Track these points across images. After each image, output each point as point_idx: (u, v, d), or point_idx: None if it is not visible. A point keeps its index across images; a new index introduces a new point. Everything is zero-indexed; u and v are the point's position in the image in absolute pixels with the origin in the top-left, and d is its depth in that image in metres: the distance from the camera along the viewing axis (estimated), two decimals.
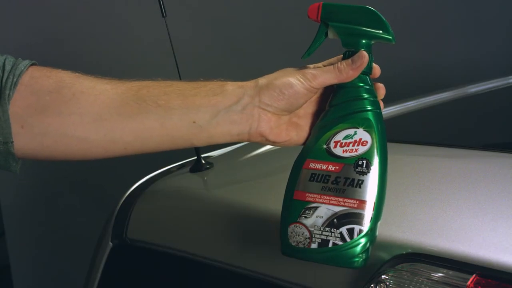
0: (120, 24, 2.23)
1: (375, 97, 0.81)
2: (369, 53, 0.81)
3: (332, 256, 0.76)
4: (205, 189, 1.32)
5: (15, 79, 0.74)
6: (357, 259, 0.76)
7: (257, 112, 0.77)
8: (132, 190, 1.35)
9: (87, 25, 2.15)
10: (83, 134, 0.74)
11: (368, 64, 0.80)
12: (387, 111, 1.76)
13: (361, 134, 0.77)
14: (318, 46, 0.81)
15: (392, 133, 1.61)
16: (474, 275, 0.81)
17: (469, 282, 0.80)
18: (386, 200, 1.01)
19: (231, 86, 0.77)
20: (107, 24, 2.20)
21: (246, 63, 2.50)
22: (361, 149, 0.77)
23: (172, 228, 1.24)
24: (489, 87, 2.03)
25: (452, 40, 3.42)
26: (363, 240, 0.76)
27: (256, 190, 1.21)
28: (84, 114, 0.74)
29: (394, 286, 0.85)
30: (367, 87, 0.80)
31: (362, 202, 0.75)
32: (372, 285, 0.87)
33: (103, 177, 2.04)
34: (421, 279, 0.84)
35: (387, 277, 0.86)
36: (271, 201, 1.10)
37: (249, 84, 0.77)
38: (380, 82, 0.84)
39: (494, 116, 1.66)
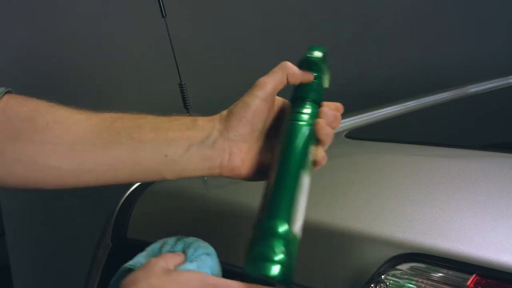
0: (120, 24, 2.22)
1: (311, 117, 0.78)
2: (319, 85, 0.80)
3: None
4: (205, 189, 1.32)
5: None
6: None
7: (227, 146, 0.77)
8: (132, 190, 1.36)
9: (87, 25, 2.15)
10: (55, 163, 0.75)
11: (317, 92, 0.79)
12: (387, 111, 1.76)
13: None
14: None
15: (392, 133, 1.61)
16: (474, 275, 0.81)
17: (469, 282, 0.80)
18: (386, 200, 1.01)
19: (202, 121, 0.77)
20: (107, 24, 2.20)
21: (246, 63, 2.49)
22: None
23: (172, 228, 1.24)
24: (489, 87, 2.03)
25: (452, 40, 3.42)
26: None
27: (256, 190, 1.20)
28: (58, 143, 0.75)
29: (394, 286, 0.85)
30: (308, 110, 0.78)
31: None
32: (372, 285, 0.87)
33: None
34: (421, 279, 0.84)
35: (387, 277, 0.86)
36: None
37: (217, 117, 0.78)
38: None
39: (494, 116, 1.66)
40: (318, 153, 0.77)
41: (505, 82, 2.07)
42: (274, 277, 0.70)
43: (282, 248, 0.70)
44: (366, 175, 1.15)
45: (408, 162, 1.21)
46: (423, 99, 1.88)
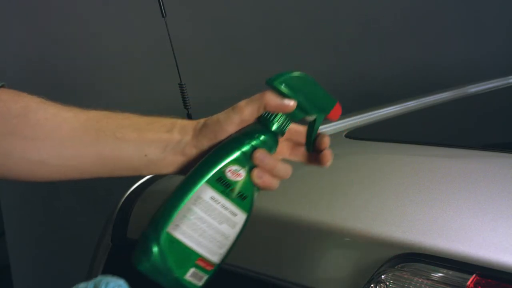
0: (120, 24, 2.23)
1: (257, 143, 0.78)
2: (293, 116, 0.80)
3: None
4: None
5: None
6: None
7: (195, 152, 0.80)
8: (132, 190, 1.36)
9: (87, 25, 2.15)
10: (44, 158, 0.79)
11: (283, 124, 0.79)
12: (387, 111, 1.76)
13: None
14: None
15: (392, 133, 1.61)
16: (474, 275, 0.81)
17: (469, 282, 0.80)
18: (386, 200, 1.01)
19: (179, 125, 0.81)
20: (107, 24, 2.20)
21: (246, 63, 2.49)
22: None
23: None
24: (489, 87, 2.03)
25: (452, 40, 3.42)
26: None
27: None
28: (47, 139, 0.79)
29: (394, 286, 0.85)
30: (265, 136, 0.78)
31: None
32: (372, 285, 0.87)
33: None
34: (421, 279, 0.84)
35: (387, 277, 0.86)
36: (271, 201, 1.10)
37: (193, 124, 0.81)
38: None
39: (494, 116, 1.66)
40: (254, 175, 0.78)
41: (505, 82, 2.07)
42: (142, 271, 0.78)
43: (153, 248, 0.76)
44: (366, 175, 1.15)
45: (408, 162, 1.21)
46: (423, 99, 1.88)
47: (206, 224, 0.77)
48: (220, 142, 0.79)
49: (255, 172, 0.77)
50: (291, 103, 0.78)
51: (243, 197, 0.78)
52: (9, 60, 2.01)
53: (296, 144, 0.84)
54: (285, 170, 0.80)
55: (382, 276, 0.86)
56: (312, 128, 0.81)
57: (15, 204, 2.15)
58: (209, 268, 0.79)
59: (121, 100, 2.14)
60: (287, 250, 1.04)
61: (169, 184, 1.36)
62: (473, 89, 2.01)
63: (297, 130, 0.83)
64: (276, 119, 0.79)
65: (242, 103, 0.79)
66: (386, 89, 2.88)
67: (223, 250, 0.79)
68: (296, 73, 0.79)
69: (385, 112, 1.75)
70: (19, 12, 2.04)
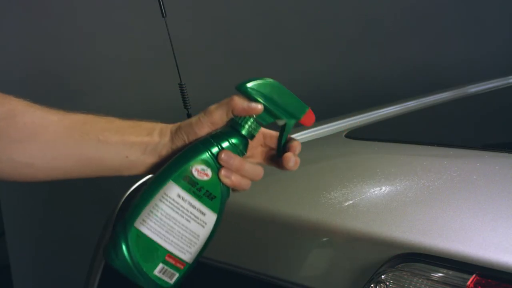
0: (120, 24, 2.23)
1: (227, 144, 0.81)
2: (263, 120, 0.82)
3: None
4: None
5: None
6: None
7: (170, 154, 0.84)
8: (132, 190, 1.36)
9: (86, 25, 2.15)
10: (29, 160, 0.82)
11: (252, 127, 0.82)
12: (387, 111, 1.76)
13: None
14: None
15: (392, 133, 1.61)
16: (474, 275, 0.81)
17: (469, 282, 0.80)
18: (386, 200, 1.01)
19: (159, 129, 0.85)
20: (107, 24, 2.20)
21: (246, 63, 2.49)
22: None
23: None
24: (489, 87, 2.03)
25: (452, 40, 3.42)
26: None
27: (255, 190, 1.20)
28: (33, 142, 0.82)
29: (394, 286, 0.85)
30: (235, 140, 0.81)
31: None
32: (372, 285, 0.87)
33: (103, 177, 2.04)
34: (421, 279, 0.84)
35: (387, 277, 0.86)
36: (270, 201, 1.11)
37: (169, 128, 0.85)
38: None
39: (494, 116, 1.66)
40: (221, 174, 0.80)
41: (505, 82, 2.07)
42: (113, 267, 0.81)
43: (121, 243, 0.80)
44: (366, 175, 1.15)
45: (408, 162, 1.21)
46: (423, 99, 1.88)
47: (173, 221, 0.79)
48: (190, 143, 0.82)
49: (222, 172, 0.80)
50: (258, 106, 0.81)
51: (211, 197, 0.80)
52: (9, 60, 2.01)
53: (271, 150, 0.86)
54: (254, 171, 0.83)
55: (382, 276, 0.86)
56: (282, 133, 0.84)
57: (15, 204, 2.15)
58: (180, 266, 0.81)
59: (121, 100, 2.15)
60: (287, 250, 1.04)
61: None
62: (473, 89, 2.01)
63: (273, 135, 0.86)
64: (245, 123, 0.81)
65: (212, 107, 0.83)
66: (386, 89, 2.88)
67: (193, 249, 0.81)
68: (265, 80, 0.82)
69: (385, 112, 1.75)
70: (19, 12, 2.04)
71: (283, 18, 2.65)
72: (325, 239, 0.99)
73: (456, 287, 0.81)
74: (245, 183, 0.82)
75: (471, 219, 0.91)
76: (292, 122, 0.83)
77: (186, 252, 0.81)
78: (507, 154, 1.19)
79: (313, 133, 1.60)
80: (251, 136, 0.82)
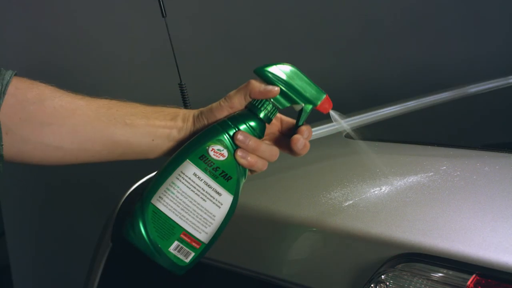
0: (120, 24, 2.23)
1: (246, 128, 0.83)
2: (280, 104, 0.84)
3: None
4: None
5: (2, 89, 0.81)
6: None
7: (192, 136, 0.86)
8: (132, 190, 1.36)
9: (86, 25, 2.15)
10: (59, 144, 0.84)
11: (269, 111, 0.83)
12: (387, 111, 1.76)
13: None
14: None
15: (392, 133, 1.61)
16: (474, 275, 0.81)
17: (469, 282, 0.80)
18: (386, 200, 1.01)
19: (181, 114, 0.88)
20: (107, 24, 2.20)
21: (246, 63, 2.49)
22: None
23: None
24: (489, 87, 2.03)
25: (452, 40, 3.42)
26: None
27: (255, 190, 1.21)
28: (62, 125, 0.84)
29: (394, 286, 0.85)
30: (253, 123, 0.83)
31: None
32: (372, 285, 0.87)
33: (103, 177, 2.04)
34: (421, 279, 0.84)
35: (387, 277, 0.86)
36: (270, 200, 1.11)
37: (192, 113, 0.88)
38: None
39: (494, 116, 1.66)
40: (237, 154, 0.82)
41: (505, 82, 2.07)
42: (129, 241, 0.82)
43: (138, 219, 0.81)
44: (366, 175, 1.15)
45: (408, 162, 1.21)
46: (423, 99, 1.88)
47: (189, 199, 0.81)
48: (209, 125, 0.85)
49: (238, 152, 0.82)
50: (275, 89, 0.83)
51: (227, 178, 0.82)
52: (9, 61, 2.01)
53: (288, 137, 0.87)
54: (270, 151, 0.84)
55: (382, 276, 0.86)
56: (298, 119, 0.85)
57: (15, 204, 2.15)
58: (195, 245, 0.82)
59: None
60: (287, 250, 1.04)
61: None
62: (473, 89, 2.01)
63: (290, 122, 0.88)
64: (262, 107, 0.83)
65: (232, 92, 0.85)
66: (386, 89, 2.88)
67: (209, 229, 0.82)
68: (284, 64, 0.85)
69: (385, 112, 1.75)
70: (20, 12, 2.04)
71: (283, 18, 2.65)
72: (325, 239, 0.99)
73: (456, 287, 0.81)
74: (261, 163, 0.84)
75: (471, 219, 0.91)
76: (309, 107, 0.85)
77: (202, 231, 0.82)
78: (507, 154, 1.19)
79: (313, 133, 1.60)
80: (268, 119, 0.84)
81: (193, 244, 0.82)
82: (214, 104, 0.86)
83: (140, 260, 1.29)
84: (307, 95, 0.84)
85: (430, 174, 1.11)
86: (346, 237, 0.96)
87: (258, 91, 0.83)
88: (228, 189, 0.82)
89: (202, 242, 0.82)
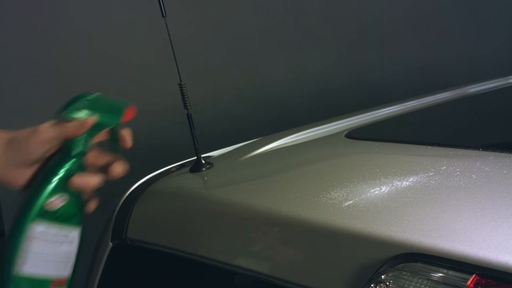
0: (120, 24, 2.23)
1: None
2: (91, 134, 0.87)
3: None
4: (205, 189, 1.32)
5: None
6: None
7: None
8: (132, 190, 1.36)
9: (86, 25, 2.15)
10: None
11: (84, 145, 0.87)
12: (387, 111, 1.76)
13: None
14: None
15: (392, 133, 1.61)
16: (474, 275, 0.81)
17: (469, 282, 0.80)
18: (386, 200, 1.01)
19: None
20: (107, 24, 2.20)
21: (246, 63, 2.49)
22: None
23: (172, 228, 1.24)
24: (489, 87, 2.03)
25: (452, 40, 3.42)
26: None
27: (255, 190, 1.21)
28: None
29: (394, 286, 0.85)
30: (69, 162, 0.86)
31: None
32: (372, 285, 0.87)
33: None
34: (421, 279, 0.84)
35: (387, 277, 0.86)
36: (271, 201, 1.11)
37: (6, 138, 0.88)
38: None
39: (494, 116, 1.66)
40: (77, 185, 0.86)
41: (505, 82, 2.08)
42: None
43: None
44: (366, 175, 1.15)
45: (408, 162, 1.21)
46: (423, 99, 1.88)
47: (46, 253, 0.84)
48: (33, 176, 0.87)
49: (76, 186, 0.86)
50: (89, 120, 0.86)
51: (71, 217, 0.86)
52: (9, 60, 2.01)
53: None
54: (98, 179, 0.88)
55: (382, 276, 0.86)
56: (112, 134, 0.89)
57: (15, 204, 2.15)
58: (63, 284, 0.86)
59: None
60: (287, 250, 1.04)
61: (169, 184, 1.36)
62: (473, 89, 2.01)
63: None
64: (76, 144, 0.86)
65: (42, 128, 0.86)
66: (386, 89, 2.88)
67: (70, 264, 0.87)
68: (88, 96, 0.87)
69: (385, 112, 1.75)
70: (19, 12, 2.04)
71: (283, 18, 2.65)
72: (325, 239, 0.99)
73: (456, 287, 0.81)
74: (93, 180, 0.88)
75: (471, 219, 0.91)
76: (117, 120, 0.88)
77: (65, 269, 0.86)
78: (507, 154, 1.19)
79: (313, 133, 1.60)
80: (85, 152, 0.87)
81: (62, 285, 0.86)
82: (22, 134, 0.86)
83: (140, 260, 1.29)
84: (113, 112, 0.88)
85: (430, 174, 1.11)
86: (346, 237, 0.96)
87: (74, 131, 0.85)
88: (74, 225, 0.87)
89: (68, 277, 0.87)
